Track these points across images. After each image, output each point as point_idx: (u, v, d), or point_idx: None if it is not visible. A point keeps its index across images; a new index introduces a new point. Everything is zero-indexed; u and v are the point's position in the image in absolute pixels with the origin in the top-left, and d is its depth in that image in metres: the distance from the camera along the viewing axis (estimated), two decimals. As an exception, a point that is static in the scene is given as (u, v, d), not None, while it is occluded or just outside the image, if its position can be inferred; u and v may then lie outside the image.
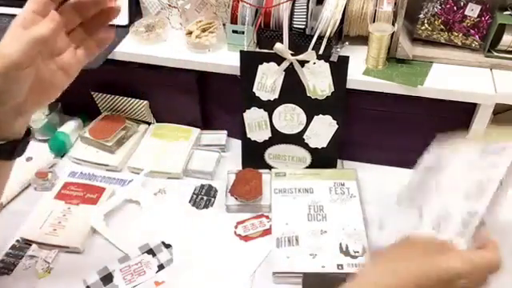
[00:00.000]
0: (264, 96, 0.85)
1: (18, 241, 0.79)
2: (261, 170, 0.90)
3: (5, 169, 0.57)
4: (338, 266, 0.73)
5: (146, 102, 0.97)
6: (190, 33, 0.87)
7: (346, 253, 0.75)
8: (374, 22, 0.80)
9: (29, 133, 0.56)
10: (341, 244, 0.76)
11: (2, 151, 0.53)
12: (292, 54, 0.79)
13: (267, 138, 0.89)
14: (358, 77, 0.80)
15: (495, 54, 0.80)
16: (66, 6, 0.51)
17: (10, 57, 0.46)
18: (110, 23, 0.55)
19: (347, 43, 0.84)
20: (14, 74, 0.47)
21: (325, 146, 0.88)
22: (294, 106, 0.85)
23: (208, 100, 0.97)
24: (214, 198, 0.88)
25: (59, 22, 0.48)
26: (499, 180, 0.53)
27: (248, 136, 0.90)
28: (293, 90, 0.83)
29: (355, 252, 0.75)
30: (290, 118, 0.86)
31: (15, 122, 0.52)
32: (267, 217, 0.83)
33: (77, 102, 1.03)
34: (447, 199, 0.56)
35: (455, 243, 0.51)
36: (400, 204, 0.63)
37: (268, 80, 0.83)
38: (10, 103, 0.50)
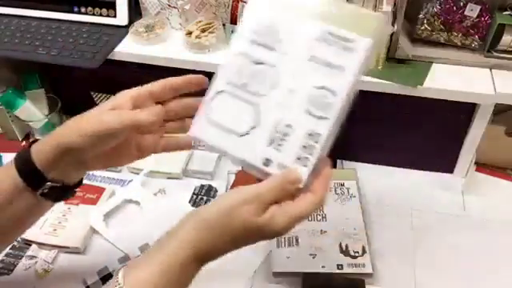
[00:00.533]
0: (264, 96, 0.84)
1: (17, 241, 0.79)
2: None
3: (45, 209, 0.59)
4: (338, 266, 0.73)
5: (145, 102, 0.97)
6: (189, 33, 0.87)
7: (346, 253, 0.75)
8: (373, 22, 0.80)
9: (81, 182, 0.59)
10: (341, 244, 0.76)
11: (52, 193, 0.55)
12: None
13: (267, 138, 0.89)
14: (357, 77, 0.80)
15: (495, 54, 0.80)
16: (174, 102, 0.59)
17: (109, 124, 0.51)
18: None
19: (347, 43, 0.84)
20: (103, 139, 0.52)
21: (325, 146, 0.88)
22: (293, 105, 0.85)
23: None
24: (214, 198, 0.88)
25: (161, 117, 0.55)
26: (345, 94, 0.48)
27: (247, 136, 0.89)
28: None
29: (355, 252, 0.75)
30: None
31: (75, 172, 0.56)
32: (267, 217, 0.83)
33: (77, 102, 1.03)
34: (287, 103, 0.50)
35: (298, 171, 0.48)
36: (227, 86, 0.53)
37: (268, 80, 0.82)
38: (83, 158, 0.54)
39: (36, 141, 0.56)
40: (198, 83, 0.58)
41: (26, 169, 0.54)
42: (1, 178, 0.55)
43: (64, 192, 0.57)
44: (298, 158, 0.48)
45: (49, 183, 0.54)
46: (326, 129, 0.48)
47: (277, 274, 0.73)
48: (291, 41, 0.50)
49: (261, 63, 0.51)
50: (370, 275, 0.72)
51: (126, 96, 0.55)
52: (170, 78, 0.57)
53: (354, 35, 0.48)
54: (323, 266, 0.73)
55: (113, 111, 0.53)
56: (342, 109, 0.48)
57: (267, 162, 0.49)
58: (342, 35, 0.49)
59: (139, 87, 0.57)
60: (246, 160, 0.50)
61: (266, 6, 0.52)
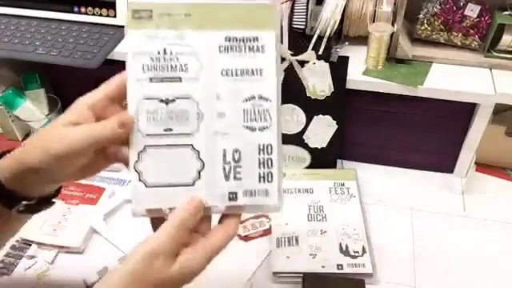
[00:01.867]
0: (264, 96, 0.84)
1: (17, 241, 0.79)
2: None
3: (24, 220, 0.56)
4: (338, 266, 0.73)
5: (145, 102, 0.97)
6: (189, 33, 0.87)
7: (346, 253, 0.75)
8: (373, 22, 0.80)
9: (58, 192, 0.55)
10: (341, 244, 0.76)
11: (28, 208, 0.51)
12: (292, 54, 0.79)
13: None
14: (357, 77, 0.80)
15: (495, 54, 0.81)
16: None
17: (74, 144, 0.45)
18: None
19: (347, 43, 0.84)
20: (70, 158, 0.46)
21: (324, 146, 0.88)
22: (293, 106, 0.85)
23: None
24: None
25: (129, 125, 0.46)
26: (276, 94, 0.45)
27: (248, 136, 0.89)
28: (292, 90, 0.83)
29: (355, 252, 0.75)
30: (289, 118, 0.86)
31: (48, 187, 0.52)
32: (267, 217, 0.83)
33: (77, 102, 1.03)
34: (222, 129, 0.45)
35: (197, 200, 0.45)
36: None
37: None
38: (51, 176, 0.49)
39: (3, 154, 0.51)
40: None
41: None
42: None
43: (41, 204, 0.53)
44: (261, 177, 0.46)
45: (23, 202, 0.50)
46: (274, 136, 0.46)
47: (277, 274, 0.73)
48: (194, 61, 0.45)
49: (173, 100, 0.45)
50: (370, 275, 0.72)
51: (82, 105, 0.49)
52: (122, 73, 0.49)
53: (256, 32, 0.45)
54: (323, 266, 0.73)
55: (76, 128, 0.46)
56: (279, 109, 0.46)
57: (233, 196, 0.46)
58: (244, 37, 0.45)
59: (94, 91, 0.51)
60: (209, 204, 0.46)
61: (147, 34, 0.45)
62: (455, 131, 0.86)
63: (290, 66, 0.80)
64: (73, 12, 0.94)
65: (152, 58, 0.45)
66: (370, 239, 0.77)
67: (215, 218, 0.49)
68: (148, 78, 0.45)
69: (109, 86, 0.50)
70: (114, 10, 0.92)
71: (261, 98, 0.46)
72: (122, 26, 0.92)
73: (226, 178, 0.46)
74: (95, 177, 0.91)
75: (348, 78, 0.80)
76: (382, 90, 0.80)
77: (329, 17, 0.78)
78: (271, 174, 0.46)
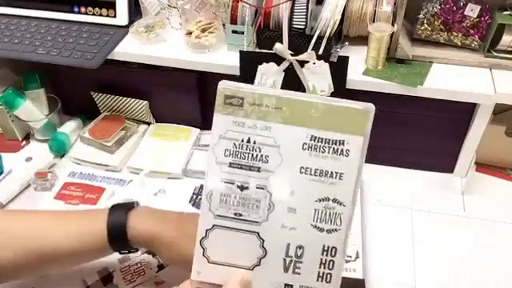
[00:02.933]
0: (264, 96, 0.84)
1: (17, 241, 0.79)
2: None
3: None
4: None
5: (145, 102, 0.97)
6: (189, 33, 0.87)
7: None
8: (373, 22, 0.80)
9: None
10: (334, 247, 0.75)
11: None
12: (292, 55, 0.79)
13: (267, 138, 0.89)
14: (357, 77, 0.80)
15: (495, 54, 0.81)
16: None
17: None
18: None
19: (347, 43, 0.84)
20: None
21: (325, 146, 0.88)
22: (293, 106, 0.85)
23: (208, 100, 0.97)
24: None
25: None
26: (351, 201, 0.45)
27: (248, 136, 0.89)
28: (292, 90, 0.82)
29: (348, 256, 0.74)
30: (289, 118, 0.86)
31: None
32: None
33: (77, 102, 1.03)
34: (291, 224, 0.46)
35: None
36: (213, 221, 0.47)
37: (268, 80, 0.83)
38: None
39: (132, 207, 0.63)
40: None
41: (118, 239, 0.60)
42: (90, 234, 0.60)
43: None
44: (320, 276, 0.46)
45: (133, 250, 0.63)
46: (341, 240, 0.46)
47: None
48: (275, 154, 0.45)
49: (247, 187, 0.46)
50: (360, 281, 0.71)
51: None
52: None
53: (344, 136, 0.45)
54: None
55: None
56: (351, 214, 0.46)
57: None
58: (331, 138, 0.45)
59: None
60: None
61: (236, 121, 0.45)
62: (455, 131, 0.86)
63: (290, 66, 0.80)
64: (73, 12, 0.94)
65: (236, 144, 0.46)
66: (366, 245, 0.77)
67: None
68: (228, 163, 0.46)
69: None
70: (114, 10, 0.92)
71: (335, 201, 0.45)
72: (122, 26, 0.92)
73: (285, 270, 0.46)
74: (95, 177, 0.92)
75: (348, 78, 0.80)
76: (381, 90, 0.80)
77: (329, 17, 0.78)
78: (331, 275, 0.46)
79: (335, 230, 0.45)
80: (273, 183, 0.46)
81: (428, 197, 0.87)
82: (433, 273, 0.74)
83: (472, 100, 0.78)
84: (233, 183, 0.46)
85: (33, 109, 0.96)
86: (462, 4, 0.79)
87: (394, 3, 0.78)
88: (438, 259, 0.76)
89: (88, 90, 0.99)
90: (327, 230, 0.46)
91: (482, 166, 0.92)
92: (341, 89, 0.81)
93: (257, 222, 0.46)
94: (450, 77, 0.79)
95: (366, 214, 0.82)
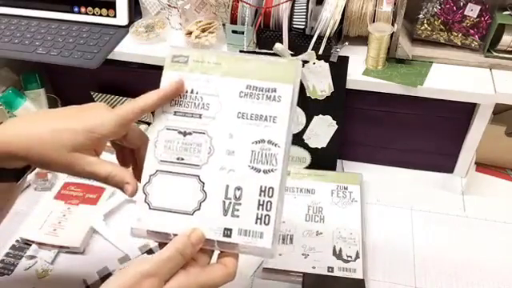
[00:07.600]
0: (264, 96, 0.84)
1: (17, 241, 0.79)
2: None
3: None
4: (329, 268, 0.72)
5: (145, 102, 0.97)
6: (189, 33, 0.87)
7: (339, 256, 0.74)
8: (373, 22, 0.80)
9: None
10: (335, 247, 0.76)
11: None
12: (292, 54, 0.79)
13: (267, 138, 0.89)
14: (357, 77, 0.80)
15: (495, 54, 0.81)
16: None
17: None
18: None
19: (347, 43, 0.84)
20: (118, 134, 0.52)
21: (324, 146, 0.88)
22: (293, 106, 0.85)
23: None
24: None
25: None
26: (285, 141, 0.48)
27: (248, 136, 0.90)
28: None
29: (348, 256, 0.74)
30: (289, 118, 0.86)
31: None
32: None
33: (77, 102, 1.03)
34: (229, 166, 0.49)
35: (199, 232, 0.47)
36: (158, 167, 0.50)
37: (268, 80, 0.83)
38: None
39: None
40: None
41: None
42: None
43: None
44: (259, 218, 0.48)
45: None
46: (277, 180, 0.48)
47: (266, 270, 0.73)
48: (215, 103, 0.50)
49: (190, 133, 0.50)
50: (360, 281, 0.71)
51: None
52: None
53: (276, 84, 0.50)
54: (313, 267, 0.73)
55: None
56: (286, 155, 0.49)
57: (227, 232, 0.48)
58: (264, 87, 0.50)
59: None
60: (206, 237, 0.48)
61: (180, 75, 0.51)
62: (455, 131, 0.86)
63: (290, 65, 0.80)
64: (73, 12, 0.94)
65: (180, 95, 0.51)
66: (366, 245, 0.77)
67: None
68: (173, 111, 0.51)
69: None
70: (114, 10, 0.92)
71: (270, 142, 0.49)
72: (122, 26, 0.92)
73: (225, 213, 0.48)
74: (95, 177, 0.91)
75: (348, 78, 0.80)
76: (382, 90, 0.80)
77: (329, 17, 0.78)
78: (269, 216, 0.48)
79: (271, 170, 0.48)
80: (213, 128, 0.50)
81: (428, 197, 0.87)
82: (433, 273, 0.74)
83: (472, 100, 0.78)
84: (176, 130, 0.50)
85: (33, 109, 0.96)
86: (461, 4, 0.79)
87: (394, 3, 0.78)
88: (437, 259, 0.76)
89: (88, 89, 0.99)
90: (264, 171, 0.48)
91: (482, 166, 0.92)
92: (341, 89, 0.81)
93: (197, 166, 0.49)
94: (450, 77, 0.79)
95: (366, 214, 0.82)
